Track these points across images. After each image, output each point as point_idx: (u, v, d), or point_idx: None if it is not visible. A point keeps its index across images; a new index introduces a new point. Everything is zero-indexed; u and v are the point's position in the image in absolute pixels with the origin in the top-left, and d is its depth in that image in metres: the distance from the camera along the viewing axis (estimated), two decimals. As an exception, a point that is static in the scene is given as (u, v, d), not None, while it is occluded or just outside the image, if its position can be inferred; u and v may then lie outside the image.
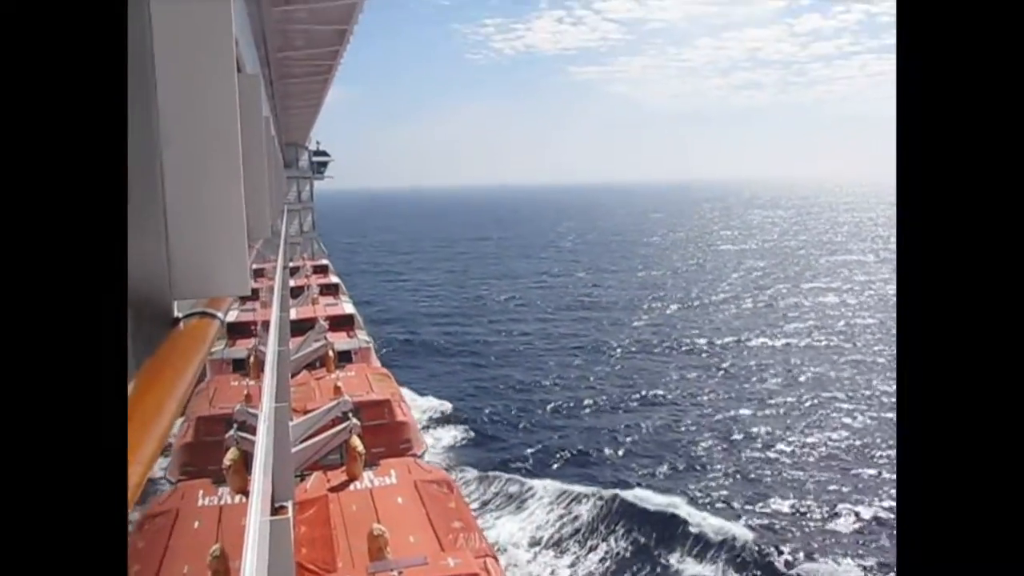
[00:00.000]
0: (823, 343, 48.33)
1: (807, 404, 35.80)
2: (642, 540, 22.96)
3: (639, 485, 26.56)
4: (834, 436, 31.50)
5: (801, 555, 21.94)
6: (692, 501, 25.41)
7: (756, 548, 22.12)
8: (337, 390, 19.16)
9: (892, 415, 32.40)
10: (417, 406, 35.72)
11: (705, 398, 37.40)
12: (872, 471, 27.63)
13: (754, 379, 40.54)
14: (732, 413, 34.70)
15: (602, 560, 22.26)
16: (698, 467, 28.92)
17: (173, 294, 2.47)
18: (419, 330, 55.84)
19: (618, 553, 22.53)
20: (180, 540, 13.82)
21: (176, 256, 2.45)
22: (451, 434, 32.79)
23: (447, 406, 35.87)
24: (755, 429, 32.41)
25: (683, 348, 47.77)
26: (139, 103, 2.32)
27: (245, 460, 13.30)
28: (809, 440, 31.22)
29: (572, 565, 22.01)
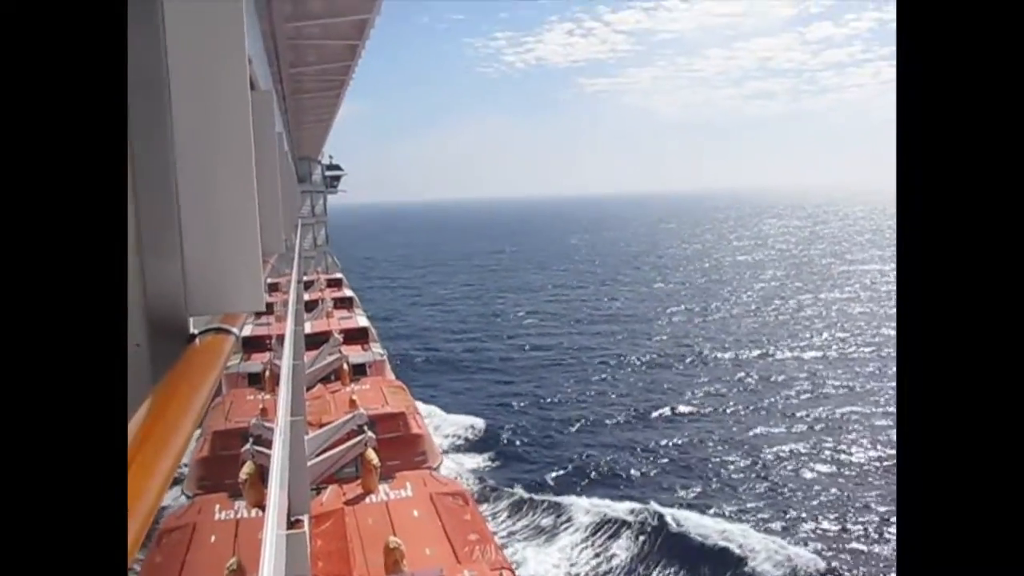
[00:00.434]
0: (853, 353, 47.45)
1: (839, 418, 34.86)
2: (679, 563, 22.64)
3: (673, 504, 25.94)
4: (872, 453, 30.60)
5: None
6: (728, 517, 24.95)
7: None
8: (352, 403, 19.15)
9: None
10: (449, 422, 35.54)
11: (732, 412, 36.65)
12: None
13: (783, 392, 39.58)
14: (762, 430, 33.87)
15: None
16: (731, 486, 28.19)
17: (189, 311, 2.50)
18: (439, 346, 55.31)
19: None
20: (197, 554, 13.89)
21: (192, 273, 2.47)
22: (482, 454, 32.08)
23: (478, 422, 35.42)
24: (788, 446, 31.66)
25: (708, 362, 47.04)
26: (154, 121, 2.35)
27: (261, 474, 13.37)
28: (845, 458, 30.44)
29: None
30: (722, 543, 23.04)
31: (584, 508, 25.61)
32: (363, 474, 16.02)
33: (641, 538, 23.93)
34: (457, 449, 32.57)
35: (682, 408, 37.45)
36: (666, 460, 30.97)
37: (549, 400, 40.02)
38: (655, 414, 36.93)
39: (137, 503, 1.34)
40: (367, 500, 15.50)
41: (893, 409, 35.48)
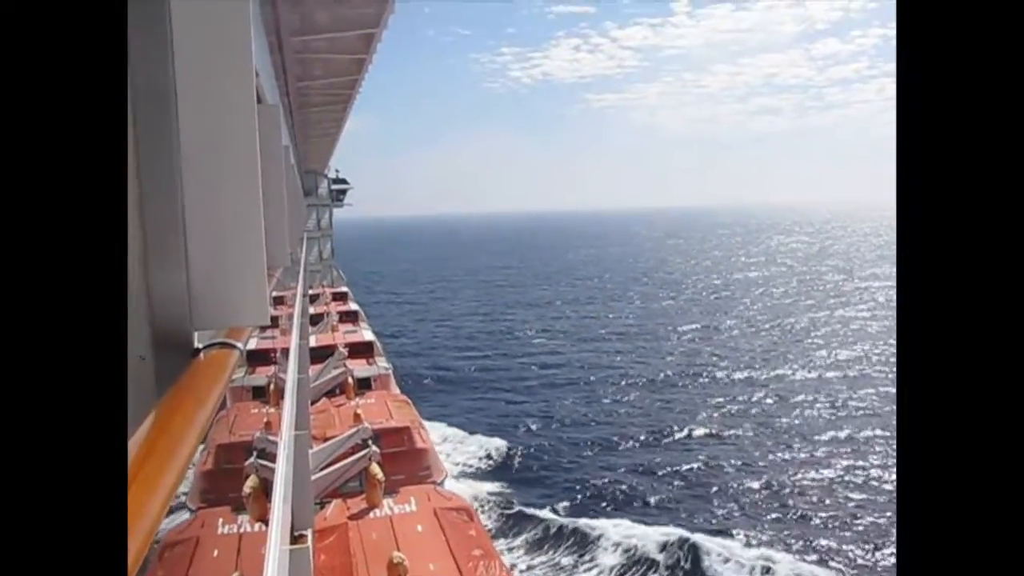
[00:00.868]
0: (875, 374, 46.11)
1: (864, 441, 34.01)
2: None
3: (690, 528, 25.25)
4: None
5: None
6: (761, 545, 24.26)
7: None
8: (357, 417, 19.14)
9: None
10: (472, 441, 35.02)
11: (754, 433, 35.87)
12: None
13: (801, 412, 38.92)
14: (785, 455, 32.89)
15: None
16: (756, 512, 27.35)
17: (194, 325, 2.49)
18: (449, 364, 54.52)
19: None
20: (200, 568, 13.86)
21: (197, 287, 2.47)
22: (500, 478, 31.12)
23: (497, 443, 34.65)
24: (810, 472, 30.80)
25: (722, 381, 46.28)
26: (161, 133, 2.35)
27: (264, 488, 13.36)
28: (876, 484, 29.56)
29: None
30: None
31: (607, 535, 24.73)
32: (367, 488, 15.99)
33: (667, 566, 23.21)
34: (475, 473, 31.73)
35: (699, 431, 36.42)
36: (683, 483, 30.17)
37: (565, 420, 39.07)
38: (671, 436, 36.00)
39: (139, 517, 1.33)
40: (371, 515, 15.47)
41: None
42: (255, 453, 14.94)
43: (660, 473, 31.22)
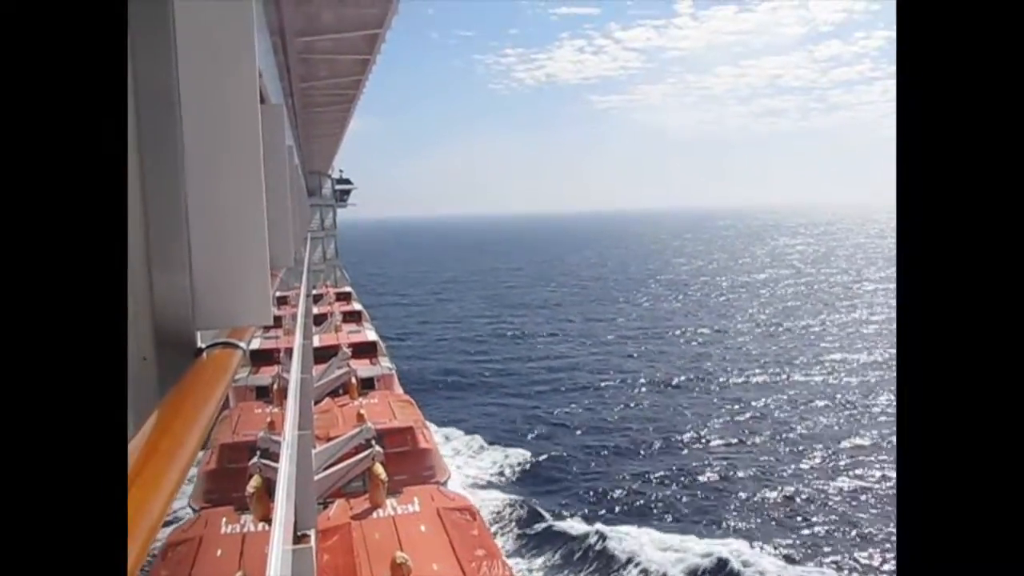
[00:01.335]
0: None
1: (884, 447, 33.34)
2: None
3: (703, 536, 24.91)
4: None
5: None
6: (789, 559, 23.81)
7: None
8: (360, 417, 19.13)
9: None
10: (487, 452, 34.43)
11: (771, 440, 35.39)
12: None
13: (815, 418, 38.27)
14: (798, 465, 32.27)
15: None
16: (776, 519, 26.92)
17: (196, 324, 2.49)
18: (458, 367, 53.98)
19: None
20: (203, 567, 13.87)
21: (199, 287, 2.47)
22: (524, 484, 30.61)
23: (518, 452, 33.90)
24: (827, 479, 30.28)
25: (735, 385, 45.79)
26: (164, 134, 2.36)
27: (268, 488, 13.38)
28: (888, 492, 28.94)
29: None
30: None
31: (626, 543, 24.19)
32: (370, 488, 15.99)
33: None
34: (492, 483, 30.95)
35: (715, 439, 35.80)
36: (700, 490, 29.78)
37: (581, 425, 38.55)
38: (682, 439, 35.66)
39: (140, 517, 1.32)
40: (374, 515, 15.47)
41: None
42: (258, 453, 14.95)
43: (679, 482, 30.73)
